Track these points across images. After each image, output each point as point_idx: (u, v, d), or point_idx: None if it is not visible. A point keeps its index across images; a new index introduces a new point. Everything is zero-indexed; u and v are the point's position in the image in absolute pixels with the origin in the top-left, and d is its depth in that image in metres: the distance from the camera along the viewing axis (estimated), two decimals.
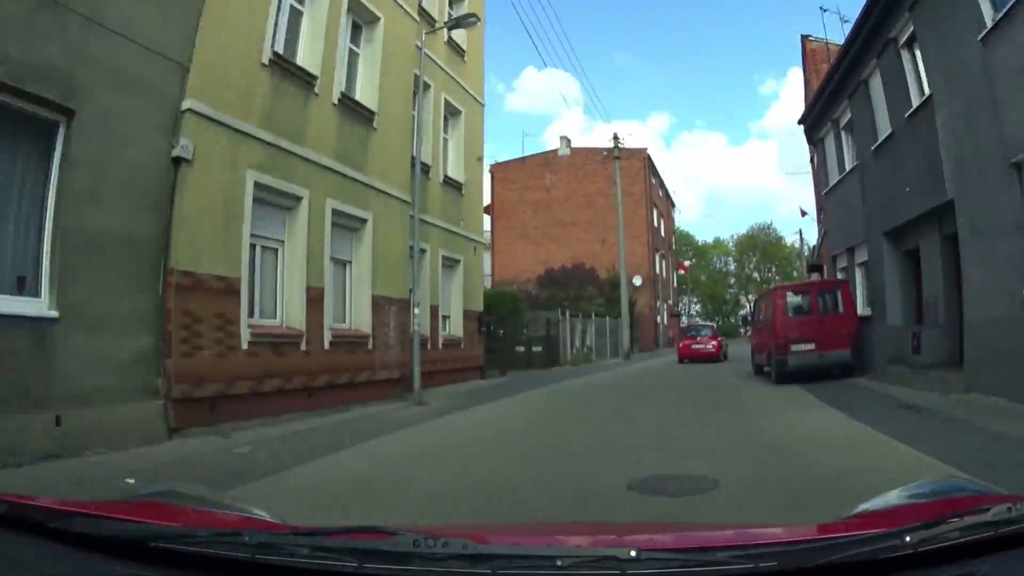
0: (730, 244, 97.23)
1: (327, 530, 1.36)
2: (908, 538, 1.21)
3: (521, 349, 23.78)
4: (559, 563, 1.21)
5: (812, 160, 31.74)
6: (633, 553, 1.21)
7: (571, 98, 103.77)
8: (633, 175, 46.75)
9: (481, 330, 18.99)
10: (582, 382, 17.80)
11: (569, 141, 49.60)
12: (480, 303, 19.31)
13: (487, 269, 55.18)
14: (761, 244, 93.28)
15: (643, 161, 46.43)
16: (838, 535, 1.32)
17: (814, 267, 23.93)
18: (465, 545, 1.26)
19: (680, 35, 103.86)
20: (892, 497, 1.70)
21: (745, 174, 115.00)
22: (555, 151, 49.64)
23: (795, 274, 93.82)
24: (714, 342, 27.41)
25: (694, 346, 27.35)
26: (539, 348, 23.86)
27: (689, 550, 1.34)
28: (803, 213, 31.56)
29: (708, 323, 39.11)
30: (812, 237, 56.09)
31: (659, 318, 49.28)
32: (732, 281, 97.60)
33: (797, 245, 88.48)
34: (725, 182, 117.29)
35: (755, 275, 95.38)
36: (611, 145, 34.63)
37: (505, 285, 36.77)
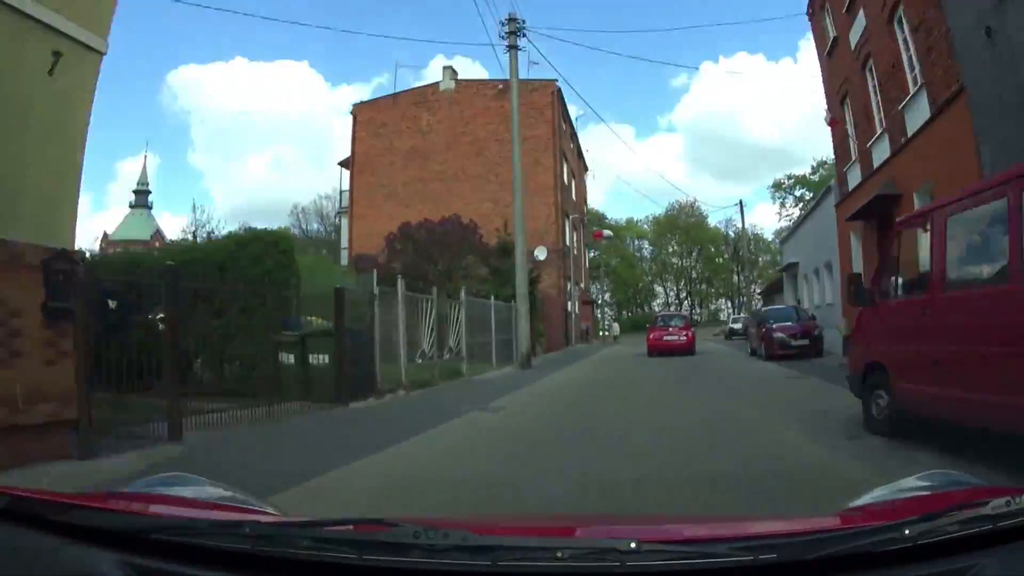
0: (646, 226, 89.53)
1: (327, 521, 1.41)
2: (907, 531, 1.26)
3: (289, 359, 11.78)
4: (559, 555, 1.26)
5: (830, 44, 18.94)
6: (633, 545, 1.25)
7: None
8: (538, 113, 39.02)
9: (50, 308, 6.63)
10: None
11: (455, 73, 41.23)
12: (61, 232, 8.40)
13: (344, 241, 40.64)
14: (683, 225, 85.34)
15: (552, 95, 33.66)
16: (837, 528, 1.40)
17: (884, 198, 10.82)
18: (465, 537, 1.29)
19: (593, 25, 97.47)
20: (891, 491, 1.76)
21: (652, 166, 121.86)
22: (436, 84, 40.16)
23: (720, 260, 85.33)
24: (687, 333, 25.71)
25: (666, 337, 25.47)
26: (325, 357, 9.87)
27: (689, 542, 1.42)
28: (832, 122, 19.21)
29: (679, 312, 40.18)
30: (746, 210, 52.83)
31: (570, 304, 36.04)
32: (649, 267, 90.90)
33: (724, 227, 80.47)
34: (632, 173, 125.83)
35: (675, 260, 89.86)
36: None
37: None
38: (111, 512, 1.49)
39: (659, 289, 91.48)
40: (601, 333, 58.69)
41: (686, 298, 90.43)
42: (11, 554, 1.36)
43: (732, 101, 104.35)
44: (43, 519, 1.41)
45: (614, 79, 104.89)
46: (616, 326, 59.97)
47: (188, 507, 1.68)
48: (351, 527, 1.37)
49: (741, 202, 61.23)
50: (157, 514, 1.52)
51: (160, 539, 1.35)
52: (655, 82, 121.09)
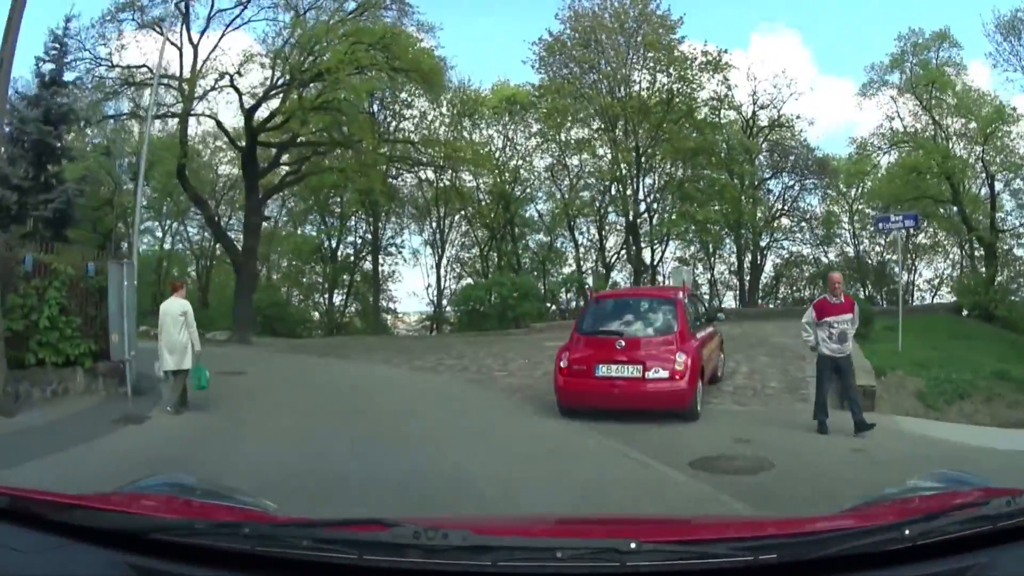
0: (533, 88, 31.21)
1: (327, 522, 1.39)
2: (907, 531, 1.25)
3: None
4: (559, 555, 1.24)
5: None
6: (633, 545, 1.24)
7: None
8: None
9: None
10: None
11: None
12: None
13: None
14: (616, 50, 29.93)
15: None
16: (838, 528, 1.37)
17: None
18: (466, 537, 1.27)
19: None
20: (892, 490, 1.74)
21: None
22: None
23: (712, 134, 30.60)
24: (675, 360, 8.47)
25: (606, 369, 8.62)
26: None
27: (689, 542, 1.39)
28: None
29: (659, 291, 13.22)
30: None
31: None
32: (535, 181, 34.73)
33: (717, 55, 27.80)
34: None
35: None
36: None
37: None
38: (111, 512, 1.46)
39: (569, 249, 35.98)
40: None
41: (627, 243, 32.21)
42: (12, 554, 1.34)
43: None
44: (43, 519, 1.39)
45: None
46: (178, 322, 9.45)
47: (187, 506, 1.67)
48: (351, 527, 1.35)
49: None
50: (156, 514, 1.50)
51: (160, 539, 1.33)
52: None
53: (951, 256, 34.55)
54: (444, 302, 35.45)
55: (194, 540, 1.31)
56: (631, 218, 31.09)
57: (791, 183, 34.92)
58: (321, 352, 19.15)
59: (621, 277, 34.56)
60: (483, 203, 33.98)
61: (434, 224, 36.02)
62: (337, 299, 38.21)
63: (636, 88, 30.39)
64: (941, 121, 28.95)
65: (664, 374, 8.51)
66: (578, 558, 1.22)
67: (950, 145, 28.63)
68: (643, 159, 30.87)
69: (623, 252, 34.40)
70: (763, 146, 33.70)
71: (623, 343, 8.85)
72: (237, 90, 22.05)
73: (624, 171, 30.53)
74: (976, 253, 31.52)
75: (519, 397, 11.01)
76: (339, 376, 13.92)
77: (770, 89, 32.84)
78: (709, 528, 1.76)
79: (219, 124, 24.31)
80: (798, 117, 33.03)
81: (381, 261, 36.92)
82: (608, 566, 1.21)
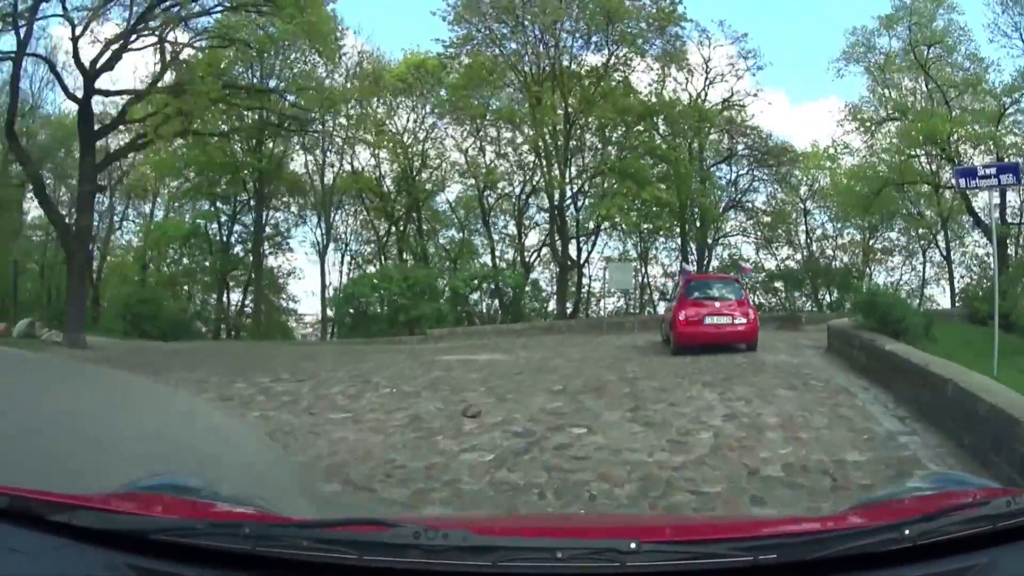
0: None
1: (327, 522, 1.39)
2: (907, 531, 1.24)
3: None
4: (559, 555, 1.24)
5: None
6: (633, 545, 1.23)
7: None
8: None
9: None
10: None
11: None
12: None
13: None
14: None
15: None
16: (838, 528, 1.36)
17: None
18: (466, 537, 1.27)
19: None
20: (892, 490, 1.75)
21: None
22: None
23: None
24: (745, 313, 14.05)
25: (709, 318, 14.03)
26: None
27: (689, 542, 1.38)
28: None
29: (727, 276, 21.07)
30: None
31: None
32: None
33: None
34: None
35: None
36: None
37: None
38: (111, 512, 1.46)
39: (483, 245, 32.90)
40: None
41: (551, 234, 28.29)
42: (11, 554, 1.34)
43: None
44: (42, 519, 1.39)
45: None
46: None
47: (187, 507, 1.66)
48: (351, 527, 1.35)
49: None
50: (156, 514, 1.50)
51: (160, 539, 1.33)
52: None
53: (912, 260, 30.49)
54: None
55: (194, 540, 1.31)
56: (556, 200, 26.04)
57: (743, 172, 31.02)
58: (142, 363, 13.13)
59: (543, 278, 31.37)
60: (378, 182, 29.19)
61: (319, 208, 30.37)
62: (238, 297, 33.29)
63: (567, 53, 25.49)
64: (945, 91, 23.83)
65: (743, 321, 13.88)
66: (578, 558, 1.22)
67: (953, 117, 22.97)
68: (572, 129, 25.81)
69: (544, 250, 30.87)
70: (713, 127, 29.00)
71: (717, 304, 14.36)
72: (69, 19, 16.64)
73: (549, 140, 25.10)
74: (955, 255, 28.17)
75: (332, 489, 5.13)
76: (91, 417, 6.21)
77: (725, 59, 28.16)
78: (709, 528, 1.78)
79: (52, 67, 19.66)
80: (756, 95, 28.51)
81: (265, 252, 31.51)
82: (608, 566, 1.20)
